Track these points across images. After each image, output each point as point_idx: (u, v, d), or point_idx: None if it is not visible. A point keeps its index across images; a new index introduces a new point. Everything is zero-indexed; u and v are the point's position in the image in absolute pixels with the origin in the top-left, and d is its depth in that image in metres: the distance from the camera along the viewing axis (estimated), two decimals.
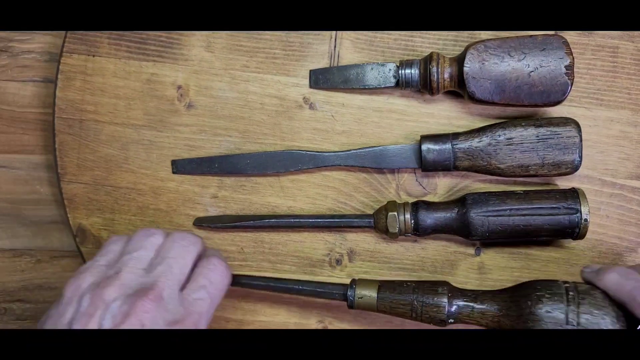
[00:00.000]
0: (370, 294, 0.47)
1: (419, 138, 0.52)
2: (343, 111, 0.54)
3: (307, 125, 0.55)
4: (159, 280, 0.37)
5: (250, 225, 0.54)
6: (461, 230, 0.51)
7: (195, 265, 0.42)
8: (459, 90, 0.51)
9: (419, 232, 0.51)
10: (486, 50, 0.49)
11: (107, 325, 0.33)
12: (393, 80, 0.52)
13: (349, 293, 0.47)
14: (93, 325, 0.33)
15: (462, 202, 0.51)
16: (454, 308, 0.46)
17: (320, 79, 0.54)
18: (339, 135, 0.55)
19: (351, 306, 0.48)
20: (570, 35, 0.52)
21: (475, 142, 0.50)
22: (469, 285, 0.55)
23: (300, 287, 0.48)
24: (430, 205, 0.52)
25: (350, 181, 0.55)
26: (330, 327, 0.56)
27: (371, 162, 0.53)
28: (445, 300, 0.46)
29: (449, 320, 0.46)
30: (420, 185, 0.55)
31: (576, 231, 0.49)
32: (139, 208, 0.56)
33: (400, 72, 0.51)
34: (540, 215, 0.49)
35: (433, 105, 0.54)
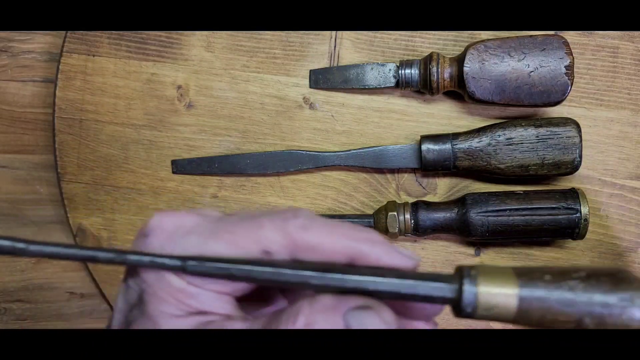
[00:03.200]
0: (506, 290, 0.26)
1: (419, 138, 0.52)
2: (343, 111, 0.54)
3: (307, 125, 0.55)
4: None
5: None
6: (461, 230, 0.51)
7: None
8: (459, 90, 0.51)
9: (419, 232, 0.51)
10: (486, 50, 0.49)
11: None
12: (393, 80, 0.52)
13: (466, 290, 0.25)
14: None
15: (462, 202, 0.51)
16: None
17: (320, 79, 0.54)
18: (339, 135, 0.55)
19: (468, 313, 0.26)
20: (570, 36, 0.52)
21: (475, 142, 0.50)
22: None
23: (365, 284, 0.26)
24: (430, 205, 0.52)
25: (350, 181, 0.55)
26: None
27: (371, 162, 0.53)
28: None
29: None
30: (420, 185, 0.55)
31: (576, 231, 0.49)
32: (139, 208, 0.56)
33: (400, 72, 0.51)
34: (540, 215, 0.49)
35: (433, 105, 0.54)
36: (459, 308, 0.25)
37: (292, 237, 0.26)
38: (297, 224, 0.26)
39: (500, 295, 0.25)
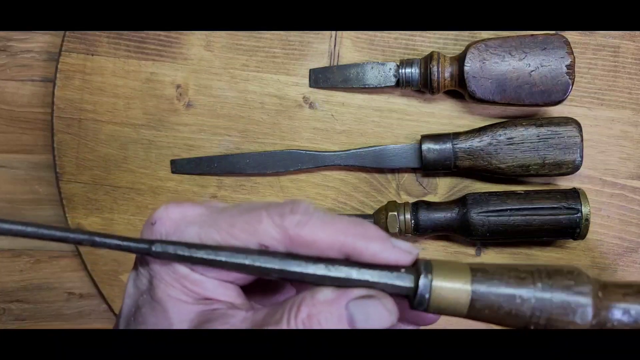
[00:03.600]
0: (459, 286, 0.26)
1: (419, 137, 0.52)
2: (343, 110, 0.54)
3: (307, 125, 0.54)
4: None
5: None
6: (462, 230, 0.51)
7: None
8: (460, 89, 0.51)
9: (419, 232, 0.51)
10: (487, 49, 0.49)
11: None
12: (393, 80, 0.52)
13: (421, 282, 0.26)
14: None
15: (462, 202, 0.51)
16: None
17: (320, 78, 0.54)
18: (339, 134, 0.54)
19: (422, 308, 0.27)
20: (571, 35, 0.52)
21: (475, 142, 0.50)
22: None
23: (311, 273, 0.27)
24: (430, 205, 0.51)
25: (350, 181, 0.55)
26: None
27: (371, 162, 0.53)
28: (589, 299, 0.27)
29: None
30: (421, 185, 0.54)
31: (577, 231, 0.49)
32: (138, 208, 0.56)
33: (400, 71, 0.51)
34: (541, 215, 0.49)
35: (433, 104, 0.54)
36: (412, 303, 0.27)
37: (287, 233, 0.26)
38: (293, 220, 0.26)
39: (453, 292, 0.26)
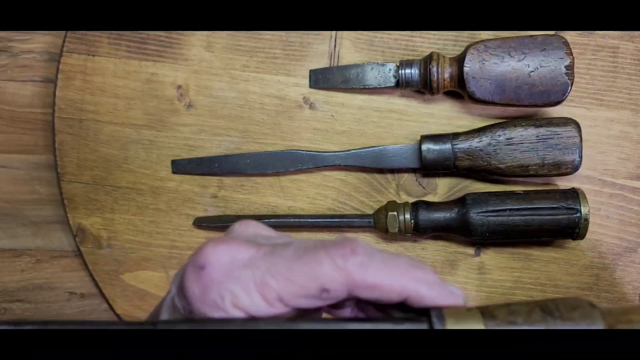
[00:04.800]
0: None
1: (419, 138, 0.52)
2: (343, 111, 0.54)
3: (307, 125, 0.55)
4: None
5: None
6: (461, 230, 0.51)
7: None
8: (459, 90, 0.51)
9: (419, 232, 0.51)
10: (486, 50, 0.49)
11: None
12: (393, 80, 0.52)
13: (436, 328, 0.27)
14: None
15: (462, 202, 0.51)
16: None
17: (320, 79, 0.54)
18: (339, 135, 0.55)
19: None
20: (570, 36, 0.52)
21: (475, 142, 0.50)
22: (469, 286, 0.55)
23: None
24: (430, 205, 0.52)
25: (350, 181, 0.55)
26: None
27: (371, 162, 0.53)
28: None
29: None
30: (420, 185, 0.55)
31: (576, 231, 0.49)
32: (139, 208, 0.56)
33: (400, 72, 0.51)
34: (540, 215, 0.49)
35: (433, 105, 0.54)
36: None
37: (351, 276, 0.26)
38: (355, 262, 0.26)
39: None
